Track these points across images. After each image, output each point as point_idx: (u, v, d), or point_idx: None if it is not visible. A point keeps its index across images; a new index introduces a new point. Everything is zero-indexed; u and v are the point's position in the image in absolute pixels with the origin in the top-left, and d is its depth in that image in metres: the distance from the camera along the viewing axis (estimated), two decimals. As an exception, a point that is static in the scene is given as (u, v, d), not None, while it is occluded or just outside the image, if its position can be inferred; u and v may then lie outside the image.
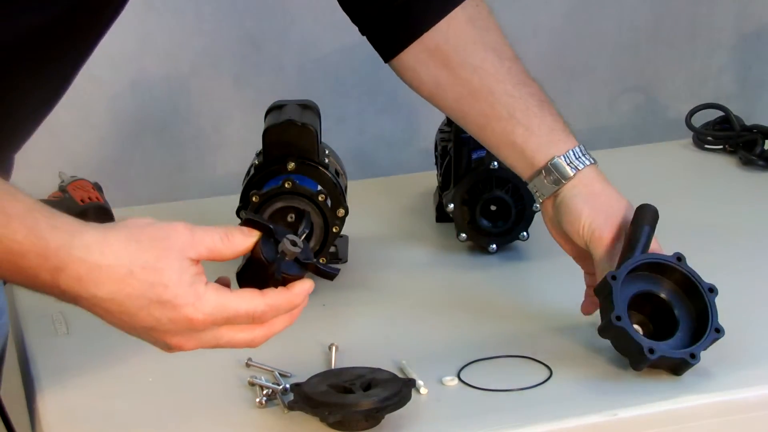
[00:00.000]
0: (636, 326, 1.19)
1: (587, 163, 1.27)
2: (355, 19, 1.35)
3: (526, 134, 1.28)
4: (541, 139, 1.28)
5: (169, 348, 1.04)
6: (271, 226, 1.05)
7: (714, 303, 1.19)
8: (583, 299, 1.28)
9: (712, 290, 1.20)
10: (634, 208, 1.26)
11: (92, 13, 1.18)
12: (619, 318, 1.16)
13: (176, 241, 1.02)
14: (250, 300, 1.03)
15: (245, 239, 1.05)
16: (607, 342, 1.22)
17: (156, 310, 1.00)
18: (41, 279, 0.99)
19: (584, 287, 1.29)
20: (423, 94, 1.34)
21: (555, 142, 1.28)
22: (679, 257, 1.21)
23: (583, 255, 1.28)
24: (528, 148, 1.28)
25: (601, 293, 1.19)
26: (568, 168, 1.26)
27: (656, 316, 1.20)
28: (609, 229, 1.24)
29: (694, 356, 1.16)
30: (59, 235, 0.98)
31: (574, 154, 1.27)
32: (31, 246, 0.97)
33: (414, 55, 1.32)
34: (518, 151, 1.29)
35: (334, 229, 1.38)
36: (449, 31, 1.30)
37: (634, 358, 1.17)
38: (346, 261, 1.47)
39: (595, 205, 1.26)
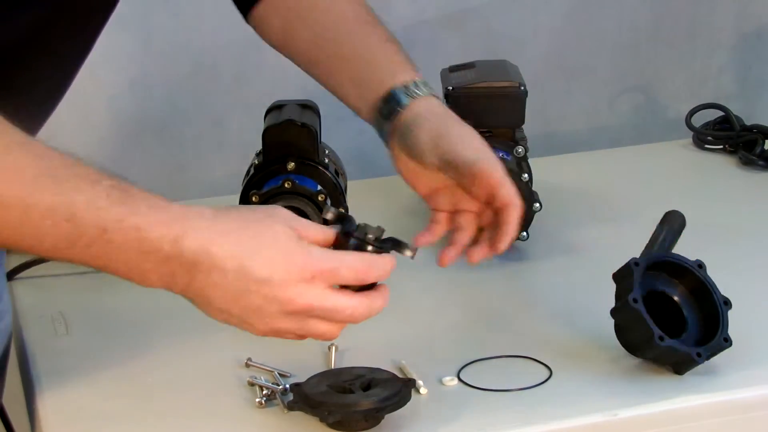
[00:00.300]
0: None
1: (427, 93, 1.29)
2: None
3: (369, 70, 1.31)
4: (383, 72, 1.30)
5: (263, 331, 1.07)
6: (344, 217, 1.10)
7: (726, 315, 1.19)
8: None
9: (727, 303, 1.20)
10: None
11: (90, 7, 1.18)
12: (636, 300, 1.16)
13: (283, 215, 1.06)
14: (352, 254, 1.07)
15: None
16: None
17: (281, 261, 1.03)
18: (163, 252, 1.01)
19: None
20: (275, 44, 1.38)
21: (396, 74, 1.29)
22: (701, 264, 1.21)
23: (434, 188, 1.29)
24: (371, 83, 1.31)
25: (620, 277, 1.19)
26: (404, 96, 1.28)
27: (664, 318, 1.19)
28: (465, 139, 1.25)
29: (700, 355, 1.16)
30: (175, 207, 1.04)
31: (414, 85, 1.29)
32: (155, 218, 1.02)
33: (267, 5, 1.37)
34: (360, 90, 1.32)
35: None
36: None
37: (640, 345, 1.17)
38: None
39: (444, 121, 1.26)
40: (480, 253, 1.27)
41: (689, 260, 1.21)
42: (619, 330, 1.20)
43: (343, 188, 1.46)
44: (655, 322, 1.18)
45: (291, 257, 1.04)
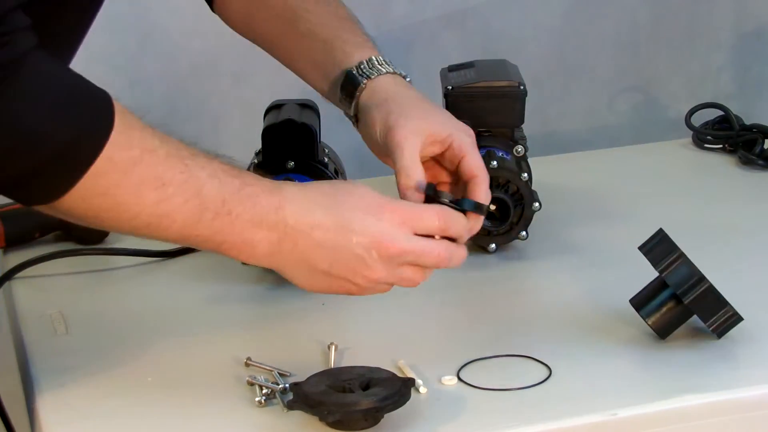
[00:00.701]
0: None
1: (383, 72, 1.30)
2: None
3: (323, 49, 1.33)
4: (340, 53, 1.32)
5: (363, 287, 1.16)
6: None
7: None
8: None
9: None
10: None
11: (73, 14, 1.18)
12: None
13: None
14: (434, 206, 1.18)
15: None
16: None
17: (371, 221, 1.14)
18: (271, 219, 1.11)
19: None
20: (238, 28, 1.41)
21: (352, 54, 1.31)
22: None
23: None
24: (330, 65, 1.33)
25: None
26: (359, 77, 1.30)
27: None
28: (401, 130, 1.25)
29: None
30: (269, 180, 1.14)
31: (368, 64, 1.30)
32: (261, 187, 1.12)
33: None
34: (322, 71, 1.34)
35: None
36: None
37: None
38: None
39: (388, 108, 1.27)
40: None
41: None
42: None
43: None
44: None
45: (381, 207, 1.14)
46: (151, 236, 1.11)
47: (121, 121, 1.07)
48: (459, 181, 1.28)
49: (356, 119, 1.33)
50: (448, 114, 1.32)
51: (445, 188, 1.28)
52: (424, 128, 1.26)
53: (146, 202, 1.07)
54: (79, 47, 1.25)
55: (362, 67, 1.31)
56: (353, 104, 1.31)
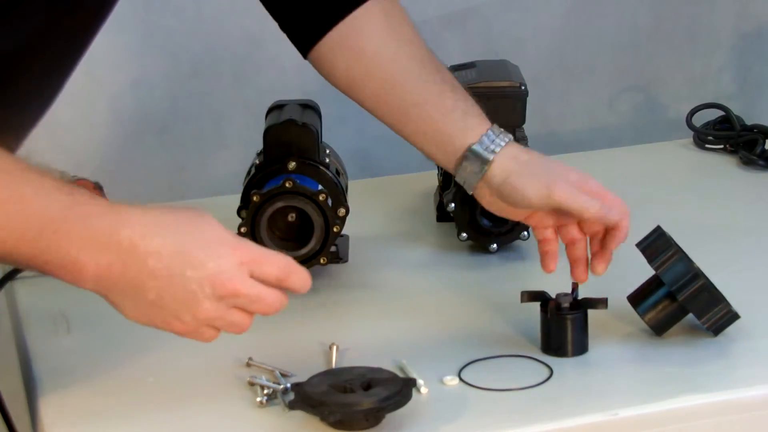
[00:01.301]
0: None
1: (502, 144, 1.28)
2: (273, 14, 1.36)
3: (441, 123, 1.31)
4: (456, 126, 1.30)
5: (188, 324, 1.09)
6: None
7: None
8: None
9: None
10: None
11: (88, 13, 1.18)
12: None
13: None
14: (278, 253, 1.13)
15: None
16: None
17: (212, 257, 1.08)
18: (102, 241, 1.06)
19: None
20: (340, 87, 1.36)
21: (469, 129, 1.29)
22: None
23: (531, 214, 1.29)
24: (444, 138, 1.31)
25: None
26: (485, 153, 1.28)
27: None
28: (560, 182, 1.26)
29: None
30: (108, 201, 1.11)
31: (488, 138, 1.28)
32: (96, 208, 1.07)
33: (328, 47, 1.33)
34: (436, 142, 1.31)
35: (334, 229, 1.38)
36: (362, 23, 1.32)
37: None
38: (346, 260, 1.47)
39: (533, 171, 1.27)
40: (601, 265, 1.28)
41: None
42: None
43: (344, 188, 1.46)
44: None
45: (223, 243, 1.09)
46: None
47: None
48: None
49: (478, 186, 1.30)
50: (564, 173, 1.29)
51: (575, 228, 1.28)
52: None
53: None
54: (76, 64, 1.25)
55: (483, 143, 1.28)
56: (481, 176, 1.28)
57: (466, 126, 1.30)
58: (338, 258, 1.46)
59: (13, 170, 1.05)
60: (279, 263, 1.11)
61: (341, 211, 1.39)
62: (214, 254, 1.08)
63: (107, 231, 1.06)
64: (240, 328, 1.11)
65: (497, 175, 1.28)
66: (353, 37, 1.32)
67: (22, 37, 1.12)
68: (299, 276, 1.12)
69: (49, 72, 1.21)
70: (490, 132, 1.29)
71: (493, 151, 1.28)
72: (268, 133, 1.44)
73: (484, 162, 1.28)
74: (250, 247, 1.11)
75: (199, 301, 1.08)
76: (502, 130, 1.30)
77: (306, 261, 1.38)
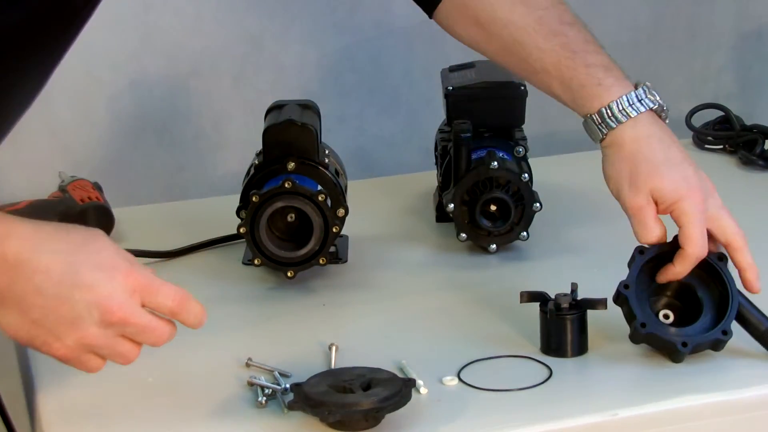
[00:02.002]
0: (666, 311, 1.21)
1: (623, 119, 1.24)
2: None
3: (561, 89, 1.28)
4: (574, 94, 1.27)
5: (68, 347, 1.04)
6: None
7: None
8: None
9: (722, 258, 1.23)
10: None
11: (71, 6, 1.18)
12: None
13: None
14: (173, 285, 1.07)
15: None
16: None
17: (99, 280, 1.03)
18: None
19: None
20: (467, 45, 1.37)
21: (586, 98, 1.26)
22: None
23: None
24: (570, 102, 1.28)
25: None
26: (597, 130, 1.26)
27: (681, 293, 1.22)
28: (631, 190, 1.23)
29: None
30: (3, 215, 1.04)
31: (608, 112, 1.25)
32: None
33: (447, 12, 1.35)
34: (565, 100, 1.29)
35: (334, 229, 1.38)
36: None
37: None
38: (346, 261, 1.47)
39: (624, 166, 1.24)
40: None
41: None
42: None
43: (344, 188, 1.46)
44: (675, 300, 1.21)
45: (116, 268, 1.05)
46: None
47: None
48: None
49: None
50: (685, 171, 1.25)
51: None
52: (655, 192, 1.22)
53: None
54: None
55: (603, 115, 1.26)
56: (600, 142, 1.27)
57: (582, 96, 1.26)
58: (337, 258, 1.46)
59: None
60: (173, 295, 1.06)
61: (340, 212, 1.39)
62: (106, 278, 1.03)
63: None
64: (126, 359, 1.07)
65: (605, 147, 1.26)
66: (466, 4, 1.33)
67: (12, 29, 1.11)
68: (193, 310, 1.08)
69: (32, 65, 1.20)
70: (616, 103, 1.24)
71: (603, 130, 1.25)
72: (267, 133, 1.44)
73: (595, 138, 1.27)
74: (144, 274, 1.06)
75: (85, 325, 1.03)
76: (635, 99, 1.25)
77: (305, 261, 1.39)
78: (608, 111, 1.25)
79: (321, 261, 1.39)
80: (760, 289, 1.23)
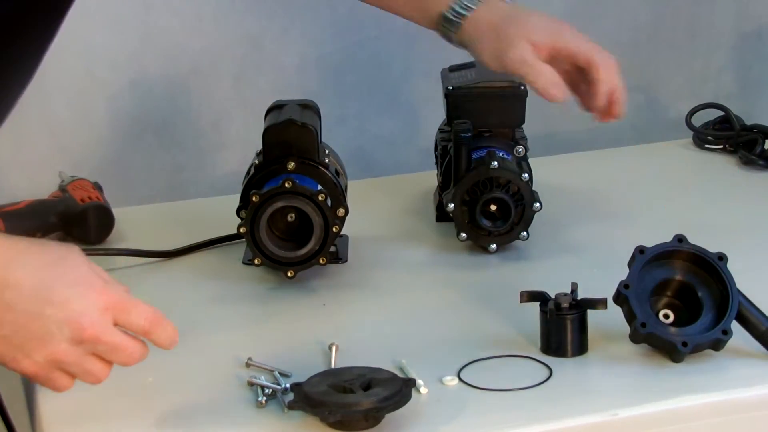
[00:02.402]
0: (666, 311, 1.21)
1: (473, 6, 1.36)
2: None
3: (403, 1, 1.38)
4: (419, 3, 1.37)
5: (37, 364, 1.04)
6: None
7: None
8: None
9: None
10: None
11: None
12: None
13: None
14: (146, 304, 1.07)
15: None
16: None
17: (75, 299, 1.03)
18: None
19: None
20: None
21: (432, 1, 1.37)
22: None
23: None
24: (420, 4, 1.39)
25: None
26: (454, 19, 1.37)
27: (681, 293, 1.22)
28: (510, 49, 1.32)
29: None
30: None
31: (460, 3, 1.36)
32: None
33: None
34: (414, 7, 1.40)
35: (334, 229, 1.38)
36: None
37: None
38: (346, 261, 1.47)
39: (494, 35, 1.34)
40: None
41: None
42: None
43: (344, 188, 1.46)
44: (676, 299, 1.21)
45: (90, 286, 1.04)
46: None
47: None
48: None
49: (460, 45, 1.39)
50: (544, 16, 1.36)
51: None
52: (532, 38, 1.32)
53: None
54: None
55: (453, 8, 1.36)
56: (455, 39, 1.38)
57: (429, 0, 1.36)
58: (338, 258, 1.46)
59: None
60: (146, 314, 1.06)
61: (341, 211, 1.39)
62: (79, 295, 1.03)
63: None
64: (96, 378, 1.06)
65: (466, 40, 1.36)
66: None
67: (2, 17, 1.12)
68: (166, 331, 1.07)
69: (17, 56, 1.20)
70: (454, 3, 1.36)
71: (460, 18, 1.36)
72: (267, 133, 1.44)
73: (453, 27, 1.37)
74: (117, 292, 1.05)
75: (56, 341, 1.02)
76: None
77: (305, 261, 1.39)
78: (460, 2, 1.37)
79: (321, 261, 1.39)
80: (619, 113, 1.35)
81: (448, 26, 1.37)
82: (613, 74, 1.34)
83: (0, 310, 1.02)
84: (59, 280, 1.03)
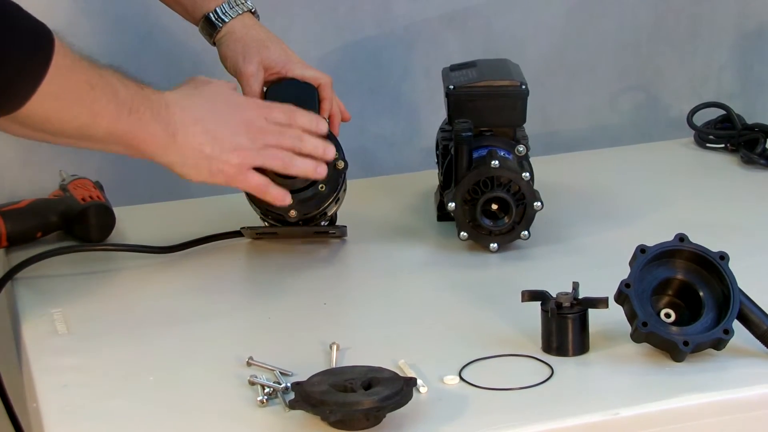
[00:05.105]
0: (667, 310, 1.21)
1: (233, 15, 1.52)
2: None
3: None
4: (195, 3, 1.54)
5: (232, 166, 1.33)
6: None
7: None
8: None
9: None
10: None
11: None
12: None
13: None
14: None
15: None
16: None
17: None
18: (161, 116, 1.30)
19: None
20: None
21: (203, 3, 1.53)
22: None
23: None
24: (187, 8, 1.55)
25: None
26: (216, 24, 1.52)
27: (682, 292, 1.22)
28: (245, 62, 1.50)
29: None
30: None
31: (222, 9, 1.52)
32: (149, 88, 1.31)
33: None
34: (184, 6, 1.56)
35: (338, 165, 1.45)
36: None
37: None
38: (345, 235, 1.49)
39: (237, 47, 1.51)
40: None
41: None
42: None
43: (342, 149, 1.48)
44: (677, 299, 1.21)
45: (239, 100, 1.39)
46: (86, 137, 1.27)
47: (55, 35, 1.21)
48: None
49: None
50: (283, 46, 1.52)
51: None
52: (265, 61, 1.50)
53: (84, 101, 1.23)
54: None
55: (216, 13, 1.52)
56: (212, 41, 1.55)
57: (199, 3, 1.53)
58: (337, 226, 1.48)
59: (95, 65, 1.26)
60: (283, 109, 1.39)
61: (340, 164, 1.45)
62: (239, 108, 1.38)
63: (163, 106, 1.30)
64: (286, 162, 1.36)
65: (221, 42, 1.52)
66: None
67: None
68: (302, 116, 1.39)
69: None
70: (223, 5, 1.52)
71: (223, 21, 1.52)
72: (270, 92, 1.50)
73: (214, 29, 1.52)
74: (256, 101, 1.43)
75: (260, 125, 1.35)
76: (236, 3, 1.52)
77: (307, 188, 1.43)
78: (222, 9, 1.52)
79: (321, 188, 1.42)
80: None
81: (209, 28, 1.53)
82: (332, 93, 1.52)
83: (197, 136, 1.33)
84: (223, 104, 1.37)
